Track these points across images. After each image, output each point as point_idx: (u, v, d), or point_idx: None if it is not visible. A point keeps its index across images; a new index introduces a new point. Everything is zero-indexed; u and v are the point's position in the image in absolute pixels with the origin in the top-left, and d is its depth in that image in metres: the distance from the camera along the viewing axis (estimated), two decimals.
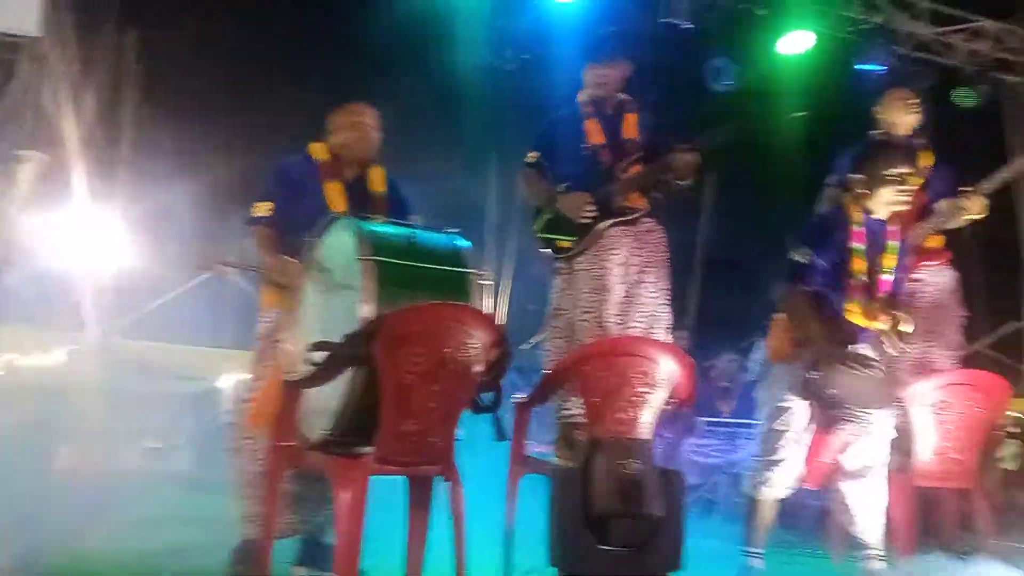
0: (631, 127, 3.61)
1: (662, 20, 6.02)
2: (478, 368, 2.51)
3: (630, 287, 3.38)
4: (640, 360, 2.95)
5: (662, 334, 3.36)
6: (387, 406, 2.34)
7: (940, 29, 6.81)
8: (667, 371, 3.00)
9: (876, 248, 3.22)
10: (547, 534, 2.75)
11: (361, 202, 3.05)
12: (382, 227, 2.63)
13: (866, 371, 2.99)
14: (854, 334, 3.15)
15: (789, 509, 3.38)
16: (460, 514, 2.56)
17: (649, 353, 2.98)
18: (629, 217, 3.46)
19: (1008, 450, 4.74)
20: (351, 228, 2.56)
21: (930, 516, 3.44)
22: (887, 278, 3.22)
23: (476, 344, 2.48)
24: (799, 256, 3.14)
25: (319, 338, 2.42)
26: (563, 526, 2.68)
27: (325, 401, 2.43)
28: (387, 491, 2.61)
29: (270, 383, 2.84)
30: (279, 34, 6.59)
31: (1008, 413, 4.32)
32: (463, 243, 2.71)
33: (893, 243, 3.25)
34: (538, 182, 3.67)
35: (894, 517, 3.23)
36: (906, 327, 3.13)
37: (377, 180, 3.22)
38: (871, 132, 3.94)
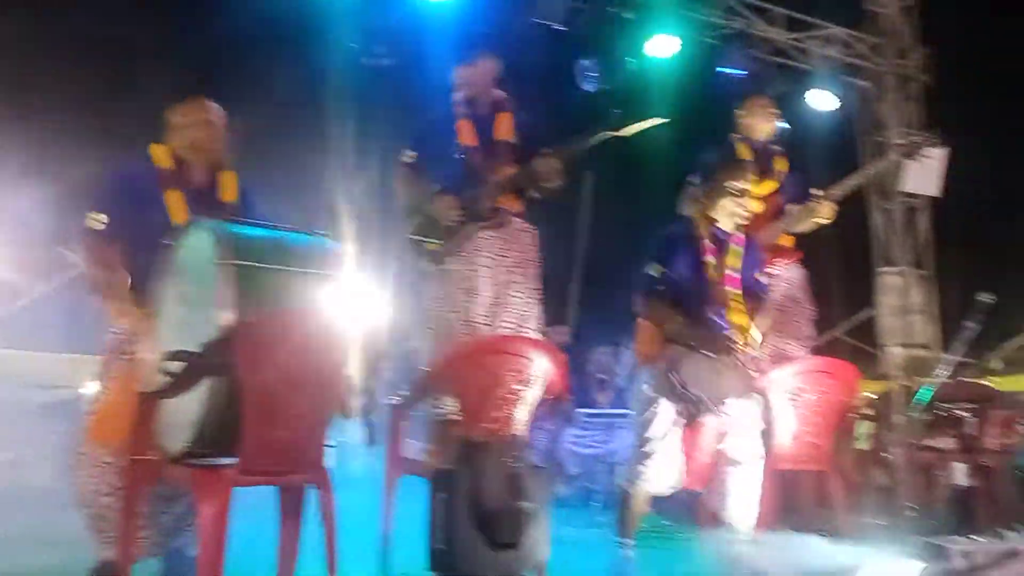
0: (504, 127, 3.63)
1: (534, 20, 6.10)
2: (348, 373, 2.47)
3: (499, 288, 3.41)
4: (513, 358, 3.00)
5: (532, 332, 3.40)
6: (250, 415, 2.27)
7: (794, 35, 7.19)
8: (540, 368, 3.05)
9: (723, 254, 3.34)
10: (428, 537, 2.73)
11: (207, 213, 2.74)
12: (245, 229, 2.53)
13: (721, 364, 3.12)
14: (716, 334, 3.23)
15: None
16: (332, 522, 2.51)
17: (522, 351, 3.02)
18: (496, 220, 3.48)
19: (861, 430, 5.06)
20: (211, 231, 2.45)
21: (789, 497, 3.61)
22: (732, 275, 3.32)
23: (346, 348, 2.44)
24: (652, 270, 3.24)
25: (177, 347, 2.32)
26: (450, 528, 2.67)
27: (185, 413, 2.33)
28: (259, 501, 2.54)
29: (115, 397, 2.70)
30: (138, 26, 6.27)
31: (862, 394, 4.61)
32: (332, 245, 2.64)
33: (736, 247, 3.36)
34: (414, 183, 3.64)
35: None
36: (756, 332, 3.28)
37: (228, 188, 2.99)
38: (732, 135, 4.12)
